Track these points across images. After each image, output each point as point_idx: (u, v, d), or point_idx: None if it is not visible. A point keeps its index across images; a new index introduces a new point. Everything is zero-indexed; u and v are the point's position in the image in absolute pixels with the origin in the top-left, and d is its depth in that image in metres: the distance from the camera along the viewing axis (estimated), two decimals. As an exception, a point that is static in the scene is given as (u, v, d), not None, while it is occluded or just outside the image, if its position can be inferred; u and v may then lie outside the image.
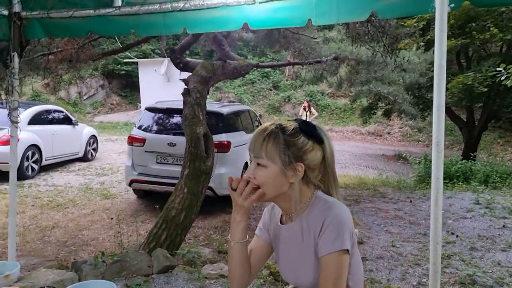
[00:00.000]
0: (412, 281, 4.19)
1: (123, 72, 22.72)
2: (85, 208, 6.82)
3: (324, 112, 22.16)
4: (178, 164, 6.19)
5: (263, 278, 3.50)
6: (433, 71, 7.66)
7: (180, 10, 2.51)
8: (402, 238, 5.51)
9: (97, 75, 22.58)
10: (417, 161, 10.22)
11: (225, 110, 7.19)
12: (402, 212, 6.79)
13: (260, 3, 2.29)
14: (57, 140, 9.53)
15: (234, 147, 6.73)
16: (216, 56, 12.07)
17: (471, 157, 10.87)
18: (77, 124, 10.54)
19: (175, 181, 4.80)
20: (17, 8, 2.96)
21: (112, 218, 6.25)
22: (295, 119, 1.41)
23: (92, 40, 6.12)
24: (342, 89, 15.36)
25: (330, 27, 10.80)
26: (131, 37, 7.67)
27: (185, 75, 5.73)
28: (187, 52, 7.56)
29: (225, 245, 4.87)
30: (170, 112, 7.05)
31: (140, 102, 21.22)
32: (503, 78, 5.75)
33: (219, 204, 6.69)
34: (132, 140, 6.83)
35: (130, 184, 6.90)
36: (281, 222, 1.48)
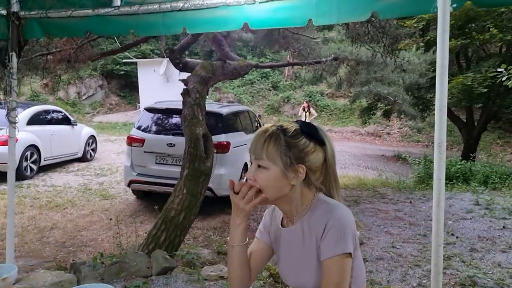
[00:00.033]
0: (412, 282, 4.18)
1: (122, 72, 22.69)
2: (84, 209, 6.80)
3: (323, 113, 22.15)
4: (177, 165, 6.17)
5: (263, 280, 3.49)
6: (433, 71, 7.68)
7: (180, 10, 2.49)
8: (402, 239, 5.49)
9: (96, 75, 22.54)
10: (417, 162, 10.21)
11: (225, 110, 7.17)
12: (402, 213, 6.78)
13: (260, 3, 2.27)
14: (56, 141, 9.50)
15: (234, 147, 6.71)
16: (215, 56, 12.06)
17: (471, 158, 10.87)
18: (76, 124, 10.51)
19: (174, 182, 4.78)
20: (15, 7, 2.94)
21: (111, 219, 6.23)
22: (296, 121, 1.39)
23: (91, 40, 6.09)
24: (341, 89, 15.36)
25: (329, 28, 10.78)
26: (130, 37, 7.64)
27: (184, 75, 5.71)
28: (187, 52, 7.54)
29: (225, 246, 4.85)
30: (169, 112, 7.03)
31: (139, 103, 21.20)
32: (504, 78, 5.74)
33: (218, 205, 6.67)
34: (131, 141, 6.81)
35: (129, 185, 6.88)
36: (282, 225, 1.45)
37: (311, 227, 1.32)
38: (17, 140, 7.77)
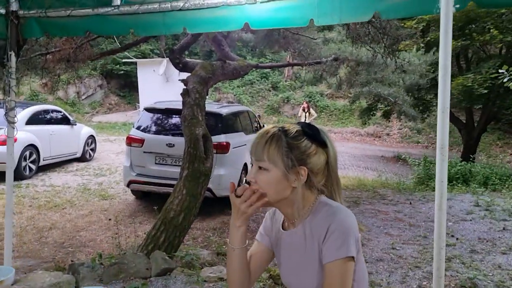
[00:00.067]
0: (412, 284, 4.17)
1: (122, 72, 22.66)
2: (82, 209, 6.78)
3: (323, 113, 22.14)
4: (176, 165, 6.15)
5: (262, 282, 3.47)
6: (433, 72, 7.65)
7: (180, 10, 2.47)
8: (402, 241, 5.48)
9: (95, 75, 22.51)
10: (417, 163, 10.20)
11: (224, 110, 7.15)
12: (402, 214, 6.76)
13: (261, 2, 2.26)
14: (55, 140, 9.48)
15: (233, 148, 6.70)
16: (215, 56, 12.04)
17: (471, 159, 10.86)
18: (75, 124, 10.49)
19: (174, 182, 4.76)
20: (14, 6, 2.92)
21: (110, 219, 6.21)
22: (298, 122, 1.37)
23: (91, 40, 6.07)
24: (341, 90, 15.33)
25: (330, 28, 10.76)
26: (130, 37, 7.62)
27: (184, 75, 5.69)
28: (186, 52, 7.52)
29: (224, 246, 4.84)
30: (169, 112, 7.01)
31: (138, 102, 21.17)
32: (505, 80, 5.72)
33: (218, 205, 6.65)
34: (130, 141, 6.79)
35: (128, 185, 6.86)
36: (283, 228, 1.43)
37: (313, 230, 1.30)
38: (16, 139, 7.78)
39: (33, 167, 8.79)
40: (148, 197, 7.24)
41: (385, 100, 12.13)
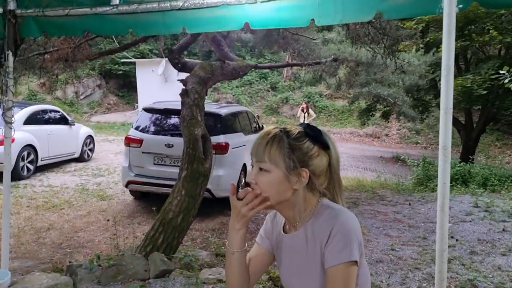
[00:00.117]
0: (412, 285, 4.14)
1: (121, 72, 22.62)
2: (81, 210, 6.75)
3: (322, 114, 22.13)
4: (175, 166, 6.12)
5: (262, 284, 3.44)
6: (432, 73, 7.62)
7: (180, 9, 2.45)
8: (402, 242, 5.46)
9: (94, 75, 22.46)
10: (416, 164, 10.18)
11: (223, 111, 7.13)
12: (401, 215, 6.75)
13: (261, 2, 2.23)
14: (53, 140, 9.44)
15: (232, 148, 6.67)
16: (214, 56, 12.03)
17: (470, 160, 10.85)
18: (74, 124, 10.45)
19: (173, 183, 4.74)
20: (11, 5, 2.89)
21: (108, 220, 6.18)
22: (300, 123, 1.35)
23: (89, 39, 6.04)
24: (341, 90, 15.32)
25: (329, 28, 10.76)
26: (129, 36, 7.60)
27: (183, 75, 5.68)
28: (185, 53, 7.50)
29: (223, 247, 4.81)
30: (167, 112, 6.98)
31: (137, 103, 21.12)
32: (506, 81, 5.71)
33: (216, 206, 6.63)
34: (129, 141, 6.76)
35: (126, 185, 6.83)
36: (284, 231, 1.41)
37: (315, 233, 1.28)
38: (13, 140, 7.74)
39: (31, 167, 8.75)
40: (147, 198, 7.21)
41: (384, 100, 12.13)
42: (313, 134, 1.29)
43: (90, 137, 11.13)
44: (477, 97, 10.93)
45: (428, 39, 11.44)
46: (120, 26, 2.73)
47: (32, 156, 8.73)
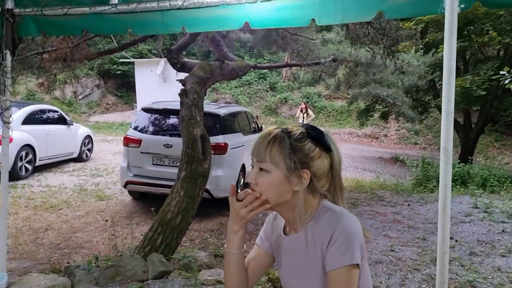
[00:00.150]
0: (411, 287, 4.14)
1: (119, 72, 22.58)
2: (79, 210, 6.72)
3: (320, 114, 22.12)
4: (174, 166, 6.10)
5: (261, 285, 3.43)
6: (431, 73, 7.60)
7: (179, 9, 2.43)
8: (401, 243, 5.45)
9: (92, 75, 22.42)
10: (415, 164, 10.18)
11: (222, 111, 7.11)
12: (400, 216, 6.73)
13: (261, 1, 2.22)
14: (52, 140, 9.40)
15: (231, 149, 6.65)
16: (213, 56, 12.00)
17: (469, 161, 10.85)
18: (72, 124, 10.41)
19: (171, 183, 4.72)
20: (9, 4, 2.87)
21: (106, 220, 6.15)
22: (302, 124, 1.33)
23: (88, 39, 6.02)
24: (340, 91, 15.32)
25: (328, 28, 10.75)
26: (128, 36, 7.57)
27: (182, 75, 5.66)
28: (184, 53, 7.48)
29: (222, 248, 4.80)
30: (166, 113, 6.96)
31: (136, 103, 21.10)
32: (506, 81, 5.70)
33: (215, 207, 6.61)
34: (127, 141, 6.74)
35: (125, 186, 6.80)
36: (284, 233, 1.39)
37: (315, 236, 1.26)
38: (12, 139, 7.72)
39: (29, 167, 8.72)
40: (145, 198, 7.19)
41: (383, 101, 12.12)
42: (315, 135, 1.27)
43: (88, 137, 11.10)
44: (476, 97, 10.94)
45: (427, 39, 11.45)
46: (118, 26, 2.72)
47: (30, 156, 8.70)
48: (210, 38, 6.16)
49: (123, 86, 23.74)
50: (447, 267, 1.90)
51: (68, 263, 4.50)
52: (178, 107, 4.94)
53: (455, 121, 13.85)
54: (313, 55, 8.28)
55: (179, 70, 6.13)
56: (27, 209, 6.61)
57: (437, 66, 11.52)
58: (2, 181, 3.12)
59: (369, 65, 8.16)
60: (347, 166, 13.00)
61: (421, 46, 11.36)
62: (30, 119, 8.94)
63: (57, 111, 10.29)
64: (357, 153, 16.00)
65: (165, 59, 6.66)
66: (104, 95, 23.28)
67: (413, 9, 1.94)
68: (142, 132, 6.77)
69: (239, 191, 1.31)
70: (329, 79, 10.12)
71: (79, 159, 10.53)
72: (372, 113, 15.46)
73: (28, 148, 8.64)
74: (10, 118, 3.10)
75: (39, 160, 9.04)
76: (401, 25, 9.13)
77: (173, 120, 6.75)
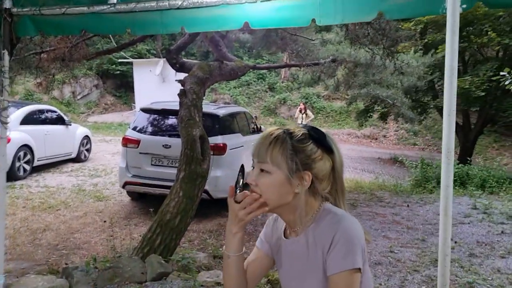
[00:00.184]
0: (411, 288, 4.12)
1: (118, 72, 22.55)
2: (77, 210, 6.69)
3: (319, 115, 22.12)
4: (173, 166, 6.07)
5: (260, 287, 3.40)
6: (431, 74, 7.59)
7: (178, 8, 2.40)
8: (400, 244, 5.44)
9: (91, 75, 22.38)
10: (414, 165, 10.17)
11: (221, 111, 7.10)
12: (400, 217, 6.72)
13: (261, 1, 2.20)
14: (50, 140, 9.38)
15: (230, 149, 6.64)
16: (212, 57, 11.97)
17: (468, 162, 10.85)
18: (70, 124, 10.39)
19: (170, 184, 4.70)
20: (7, 4, 2.84)
21: (105, 221, 6.13)
22: (304, 125, 1.32)
23: (86, 39, 6.00)
24: (339, 91, 15.32)
25: (328, 29, 10.74)
26: (126, 36, 7.55)
27: (181, 76, 5.64)
28: (183, 53, 7.46)
29: (221, 249, 4.77)
30: (165, 113, 6.94)
31: (134, 103, 21.07)
32: (507, 82, 5.69)
33: (214, 207, 6.59)
34: (126, 141, 6.72)
35: (123, 186, 6.78)
36: (285, 236, 1.38)
37: (316, 239, 1.24)
38: (10, 140, 7.70)
39: (27, 167, 8.69)
40: (144, 199, 7.17)
41: (382, 102, 12.11)
42: (317, 136, 1.26)
43: (87, 137, 11.07)
44: (475, 98, 10.95)
45: (426, 40, 11.45)
46: (117, 25, 2.69)
47: (28, 156, 8.67)
48: (209, 38, 6.15)
49: (122, 86, 23.71)
50: (449, 269, 1.88)
51: (66, 264, 4.48)
52: (177, 108, 4.92)
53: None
54: (312, 56, 8.26)
55: (178, 70, 6.11)
56: (25, 209, 6.58)
57: (436, 67, 11.52)
58: (0, 181, 3.09)
59: (369, 65, 8.15)
60: (346, 166, 12.90)
61: (420, 47, 11.36)
62: (28, 119, 8.91)
63: (56, 111, 10.26)
64: (356, 153, 16.00)
65: (164, 59, 6.65)
66: (103, 95, 23.25)
67: (414, 9, 1.92)
68: (141, 133, 6.75)
69: (238, 192, 1.29)
70: (328, 79, 10.10)
71: (77, 159, 10.50)
72: (371, 114, 15.47)
73: (26, 148, 8.61)
74: (8, 118, 3.07)
75: (37, 161, 9.01)
76: (400, 26, 9.13)
77: (172, 120, 6.73)
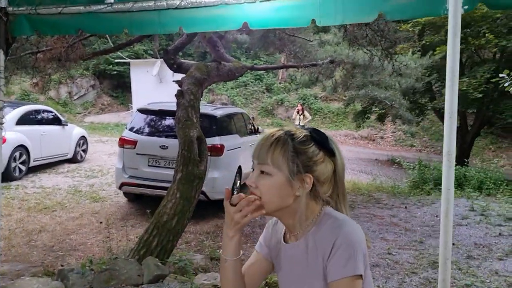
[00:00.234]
0: (409, 290, 4.10)
1: (115, 72, 22.48)
2: (73, 211, 6.65)
3: (317, 116, 22.12)
4: (170, 167, 6.05)
5: (258, 289, 3.38)
6: (428, 76, 7.59)
7: (176, 8, 2.37)
8: (398, 246, 5.43)
9: (88, 75, 22.30)
10: (411, 167, 10.17)
11: (219, 112, 7.08)
12: (397, 219, 6.71)
13: (261, 1, 2.17)
14: (46, 141, 9.32)
15: (228, 150, 6.61)
16: (209, 57, 11.95)
17: (465, 163, 10.86)
18: (67, 125, 10.33)
19: (167, 185, 4.67)
20: (3, 3, 2.80)
21: (101, 222, 6.09)
22: (306, 128, 1.29)
23: (83, 39, 5.95)
24: (337, 92, 15.31)
25: (326, 30, 10.73)
26: (123, 36, 7.51)
27: (178, 76, 5.61)
28: (180, 54, 7.44)
29: (218, 251, 4.75)
30: (162, 114, 6.91)
31: (131, 103, 21.00)
32: (506, 84, 5.69)
33: (211, 209, 6.56)
34: (123, 142, 6.68)
35: (120, 187, 6.74)
36: (284, 240, 1.35)
37: (316, 243, 1.21)
38: (5, 140, 7.65)
39: (23, 168, 8.63)
40: (141, 200, 7.13)
41: (380, 103, 12.11)
42: (319, 139, 1.23)
43: (83, 137, 11.01)
44: (473, 100, 10.97)
45: (424, 41, 11.46)
46: (114, 25, 2.66)
47: (24, 157, 8.62)
48: (207, 39, 6.12)
49: (119, 87, 23.64)
50: (449, 272, 1.86)
51: (62, 265, 4.44)
52: (174, 108, 4.89)
53: (451, 123, 13.87)
54: (310, 57, 8.25)
55: (175, 71, 6.08)
56: (21, 210, 6.53)
57: (434, 68, 11.53)
58: (-5, 182, 3.06)
59: (367, 67, 8.13)
60: (344, 168, 12.96)
61: (418, 48, 11.37)
62: (24, 120, 8.86)
63: (52, 112, 10.21)
64: (353, 155, 15.99)
65: (161, 59, 6.61)
66: (100, 96, 23.17)
67: (415, 10, 1.90)
68: (138, 133, 6.72)
69: (235, 193, 1.26)
70: (326, 80, 10.09)
71: (73, 160, 10.44)
72: (369, 115, 15.47)
73: (22, 148, 8.56)
74: (4, 119, 3.03)
75: (33, 161, 8.95)
76: (398, 27, 9.13)
77: (169, 121, 6.70)
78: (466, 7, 1.79)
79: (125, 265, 3.48)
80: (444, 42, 10.56)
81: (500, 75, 5.75)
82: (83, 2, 2.60)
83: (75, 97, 21.64)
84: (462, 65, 13.33)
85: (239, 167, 7.11)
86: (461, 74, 12.47)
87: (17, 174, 8.43)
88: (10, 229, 5.70)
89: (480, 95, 10.51)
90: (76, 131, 10.77)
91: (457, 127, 11.54)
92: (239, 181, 7.18)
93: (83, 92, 22.10)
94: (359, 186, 9.66)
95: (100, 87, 23.35)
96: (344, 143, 19.47)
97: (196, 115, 4.78)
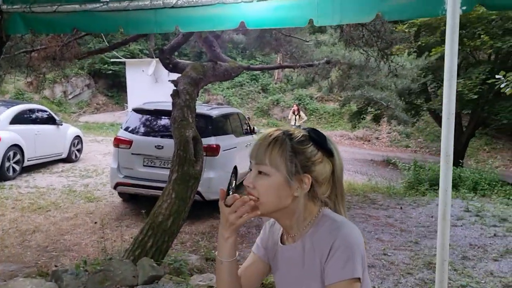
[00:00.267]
0: (405, 291, 4.10)
1: (110, 71, 22.39)
2: (67, 212, 6.60)
3: (312, 116, 22.14)
4: (165, 168, 6.02)
5: (254, 290, 3.36)
6: (424, 77, 7.61)
7: (173, 7, 2.36)
8: (394, 246, 5.43)
9: (83, 74, 22.20)
10: (407, 167, 10.19)
11: (214, 112, 7.05)
12: (393, 219, 6.72)
13: (258, 1, 2.16)
14: (40, 140, 9.26)
15: (223, 150, 6.59)
16: (205, 57, 11.92)
17: (460, 164, 10.90)
18: (61, 124, 10.27)
19: (162, 185, 4.64)
20: (-3, 1, 2.77)
21: (95, 222, 6.05)
22: (304, 127, 1.28)
23: (78, 38, 5.92)
24: (333, 93, 15.33)
25: (322, 30, 10.74)
26: (119, 35, 7.48)
27: (174, 76, 5.59)
28: (176, 53, 7.41)
29: (213, 251, 4.73)
30: (158, 113, 6.88)
31: (127, 103, 20.93)
32: (502, 85, 5.72)
33: (207, 209, 6.53)
34: (118, 142, 6.64)
35: (115, 187, 6.70)
36: (281, 241, 1.33)
37: (314, 245, 1.19)
38: (-1, 139, 7.60)
39: (17, 167, 8.57)
40: (136, 200, 7.09)
41: (375, 104, 12.13)
42: (317, 139, 1.22)
43: (78, 137, 10.95)
44: (468, 101, 11.02)
45: (420, 42, 11.50)
46: (110, 24, 2.63)
47: (18, 156, 8.55)
48: (203, 38, 6.10)
49: (114, 86, 23.55)
50: (447, 274, 1.85)
51: (56, 266, 4.41)
52: (170, 108, 4.87)
53: (446, 124, 13.91)
54: (307, 57, 8.25)
55: (171, 70, 6.05)
56: (14, 210, 6.48)
57: (429, 69, 11.57)
58: (-12, 182, 3.03)
59: (363, 67, 8.15)
60: (339, 168, 12.96)
61: (414, 49, 11.40)
62: (18, 119, 8.79)
63: (46, 111, 10.14)
64: (349, 155, 16.01)
65: (157, 59, 6.59)
66: (95, 95, 23.07)
67: (413, 10, 1.90)
68: (133, 133, 6.68)
69: (230, 193, 1.25)
70: (322, 81, 10.10)
71: (68, 159, 10.38)
72: (364, 116, 15.50)
73: (16, 148, 8.49)
74: (-3, 118, 3.00)
75: (27, 161, 8.89)
76: (394, 28, 9.15)
77: (164, 121, 6.67)
78: (464, 7, 1.79)
79: (120, 266, 3.45)
80: (440, 44, 10.61)
81: (497, 76, 5.77)
82: (78, 0, 2.58)
83: (70, 97, 21.53)
84: (457, 66, 13.39)
85: (235, 167, 7.09)
86: (457, 75, 12.53)
87: (11, 173, 8.37)
88: (4, 229, 5.65)
89: (475, 96, 10.56)
90: (70, 130, 10.71)
91: (452, 128, 11.64)
92: (234, 182, 7.16)
93: (78, 91, 22.00)
94: (355, 186, 9.66)
95: (95, 87, 23.25)
96: (339, 144, 19.49)
97: (192, 115, 4.75)
